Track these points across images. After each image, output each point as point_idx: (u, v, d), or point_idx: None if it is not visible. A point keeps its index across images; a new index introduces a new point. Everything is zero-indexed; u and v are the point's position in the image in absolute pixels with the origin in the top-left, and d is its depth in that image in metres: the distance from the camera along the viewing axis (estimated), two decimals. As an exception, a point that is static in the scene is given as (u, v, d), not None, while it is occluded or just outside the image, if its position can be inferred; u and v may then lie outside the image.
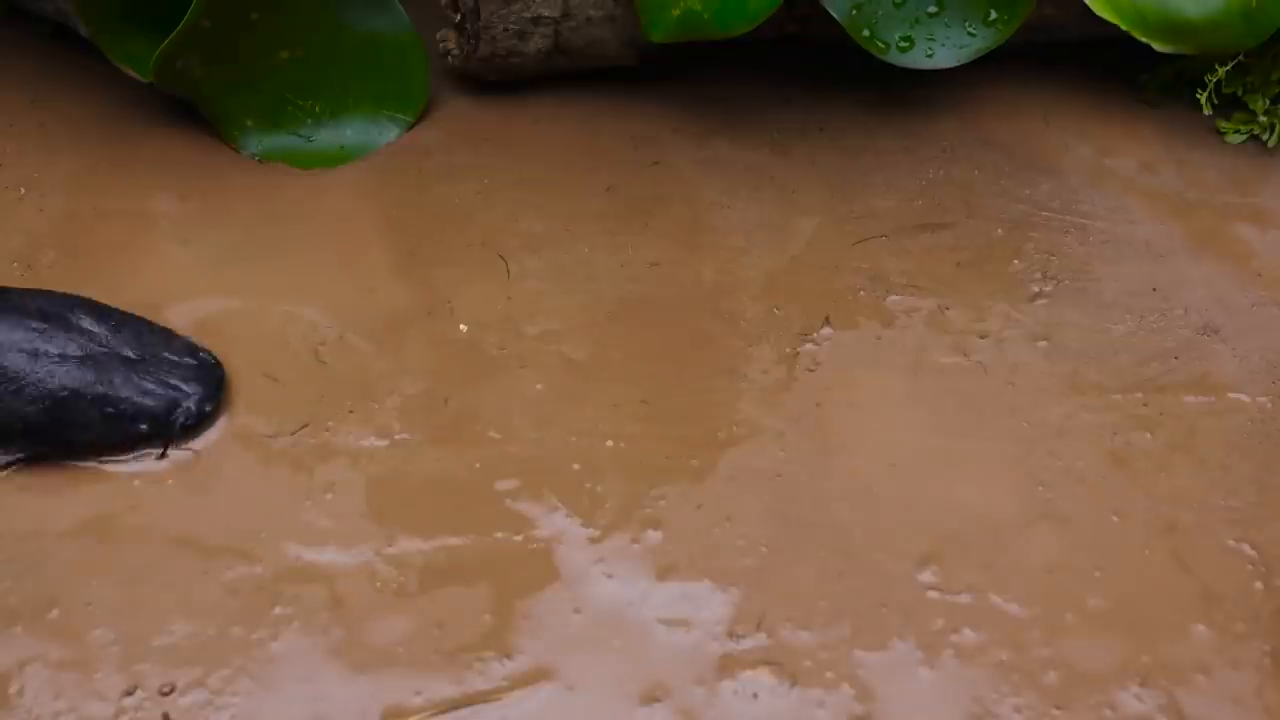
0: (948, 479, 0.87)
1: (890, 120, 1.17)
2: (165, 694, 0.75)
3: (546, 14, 1.11)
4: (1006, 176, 1.12)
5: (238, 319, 0.96)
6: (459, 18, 1.13)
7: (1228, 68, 1.13)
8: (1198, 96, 1.16)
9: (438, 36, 1.15)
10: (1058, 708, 0.77)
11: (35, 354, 0.85)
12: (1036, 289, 1.02)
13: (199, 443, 0.87)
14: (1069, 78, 1.21)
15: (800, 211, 1.08)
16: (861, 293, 1.01)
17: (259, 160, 1.10)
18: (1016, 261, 1.04)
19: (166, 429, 0.86)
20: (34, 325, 0.86)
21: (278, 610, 0.79)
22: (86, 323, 0.89)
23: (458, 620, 0.79)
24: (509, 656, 0.78)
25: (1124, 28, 1.07)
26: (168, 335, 0.91)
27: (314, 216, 1.05)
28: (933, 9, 1.07)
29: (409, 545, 0.83)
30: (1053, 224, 1.08)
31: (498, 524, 0.84)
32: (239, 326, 0.95)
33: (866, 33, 1.06)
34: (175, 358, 0.89)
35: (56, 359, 0.85)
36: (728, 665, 0.78)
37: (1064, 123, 1.18)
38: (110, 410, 0.85)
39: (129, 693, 0.75)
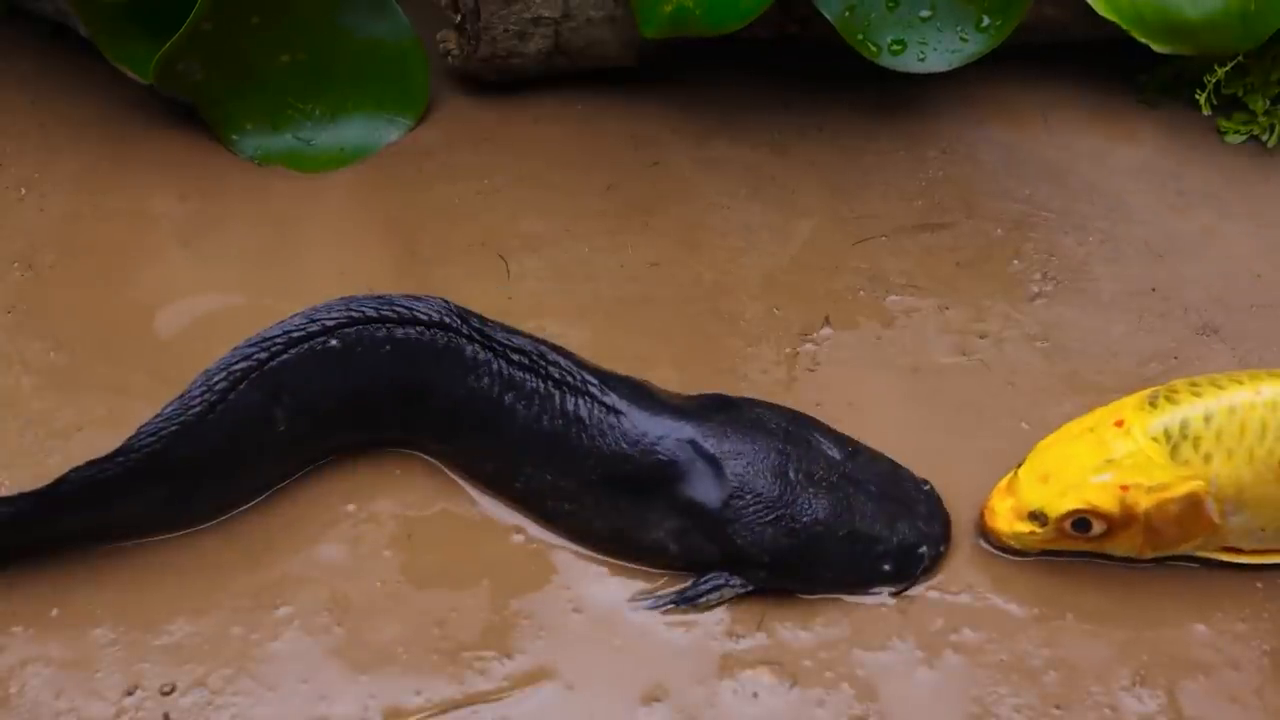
0: (947, 479, 0.87)
1: (890, 120, 1.17)
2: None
3: (547, 14, 1.11)
4: (1006, 176, 1.12)
5: (237, 319, 0.96)
6: (459, 18, 1.13)
7: (1227, 68, 1.13)
8: (1197, 97, 1.16)
9: (438, 37, 1.16)
10: (1057, 708, 0.77)
11: (786, 479, 0.79)
12: (1036, 289, 1.02)
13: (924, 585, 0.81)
14: (1069, 78, 1.21)
15: (800, 212, 1.08)
16: (861, 293, 1.01)
17: (259, 163, 1.10)
18: (1016, 261, 1.04)
19: (908, 570, 0.80)
20: (781, 446, 0.80)
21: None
22: (825, 446, 0.81)
23: (458, 620, 0.79)
24: (509, 656, 0.78)
25: (1124, 27, 1.07)
26: (892, 465, 0.84)
27: (314, 216, 1.05)
28: (925, 13, 1.08)
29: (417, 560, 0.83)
30: (1052, 224, 1.08)
31: (499, 525, 0.84)
32: (238, 326, 0.95)
33: (859, 35, 1.07)
34: (910, 492, 0.82)
35: (808, 487, 0.79)
36: (728, 665, 0.78)
37: (1064, 123, 1.18)
38: (859, 547, 0.79)
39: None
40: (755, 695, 0.76)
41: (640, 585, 0.81)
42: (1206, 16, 1.07)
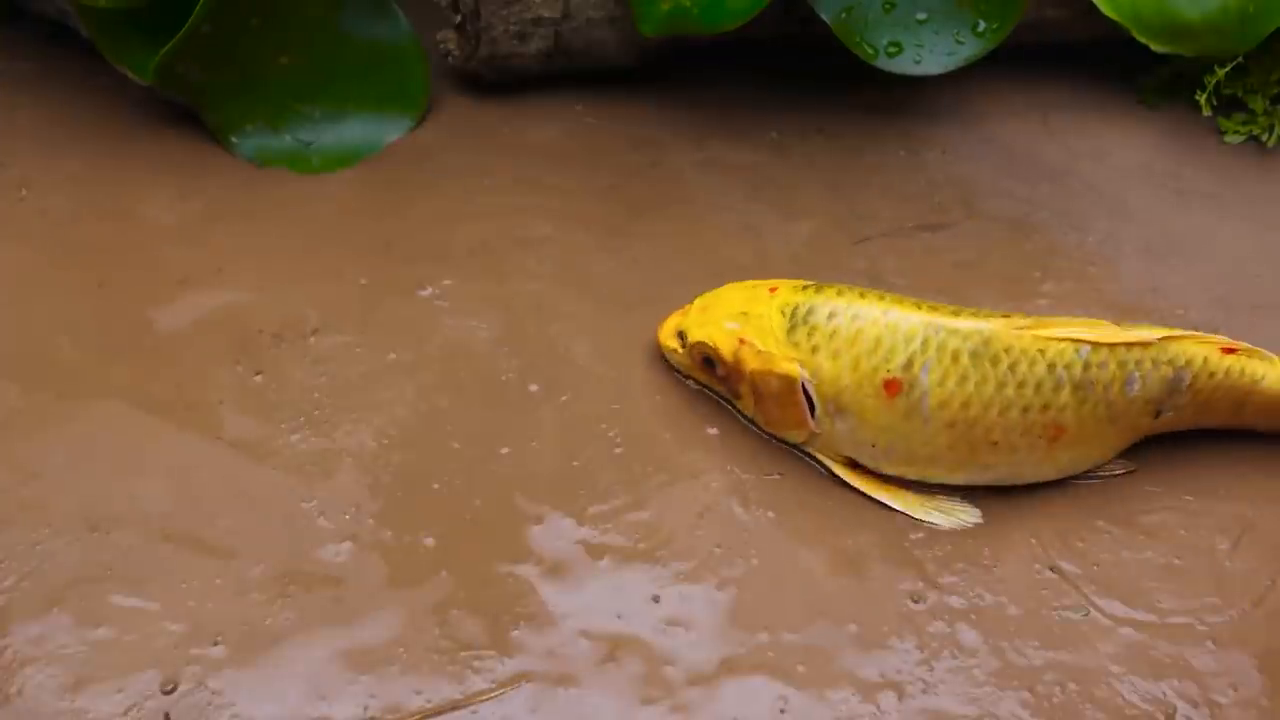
0: (947, 479, 0.87)
1: (890, 121, 1.17)
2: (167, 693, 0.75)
3: (547, 15, 1.11)
4: (1006, 176, 1.12)
5: (237, 318, 0.96)
6: (459, 19, 1.13)
7: (1227, 69, 1.14)
8: (1197, 97, 1.16)
9: (438, 37, 1.16)
10: (1057, 707, 0.77)
11: None
12: (1036, 289, 1.02)
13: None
14: (1069, 78, 1.21)
15: (800, 212, 1.08)
16: (861, 293, 1.01)
17: (259, 165, 1.10)
18: (1016, 261, 1.04)
19: None
20: None
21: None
22: None
23: (458, 620, 0.79)
24: (509, 656, 0.78)
25: (1124, 26, 1.08)
26: None
27: (314, 217, 1.05)
28: (921, 16, 1.08)
29: (408, 535, 0.83)
30: (1052, 224, 1.08)
31: (498, 530, 0.84)
32: (238, 325, 0.95)
33: (856, 37, 1.07)
34: None
35: None
36: (727, 667, 0.78)
37: (1064, 123, 1.18)
38: None
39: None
40: (755, 695, 0.76)
41: (650, 579, 0.81)
42: (1206, 17, 1.07)
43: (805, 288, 0.87)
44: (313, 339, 0.95)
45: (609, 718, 0.75)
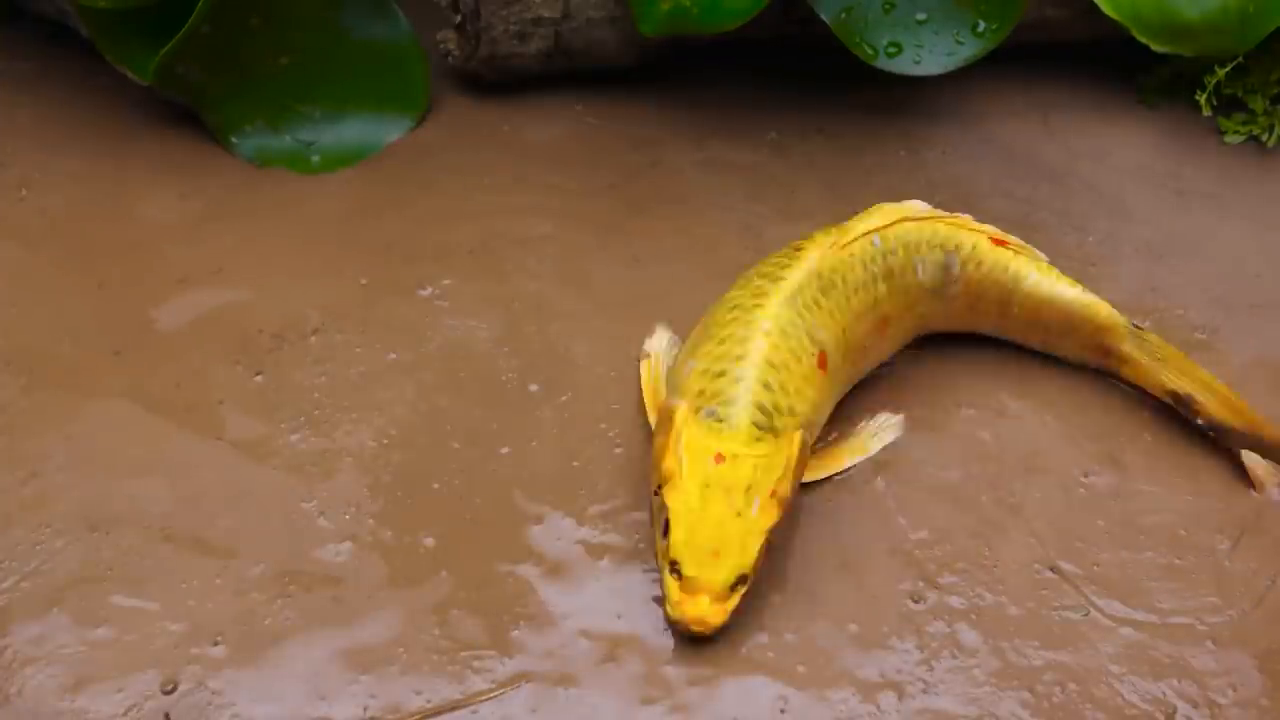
0: (947, 479, 0.87)
1: (890, 121, 1.17)
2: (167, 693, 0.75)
3: (547, 15, 1.11)
4: (1006, 176, 1.12)
5: (237, 318, 0.96)
6: (459, 19, 1.13)
7: (1228, 69, 1.14)
8: (1197, 97, 1.16)
9: (438, 37, 1.16)
10: (1057, 707, 0.77)
11: None
12: (1036, 289, 1.02)
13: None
14: (1069, 78, 1.21)
15: (800, 212, 1.08)
16: (861, 293, 1.01)
17: (259, 165, 1.10)
18: (1016, 262, 1.04)
19: None
20: None
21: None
22: None
23: (458, 620, 0.79)
24: (509, 656, 0.78)
25: (1124, 25, 1.08)
26: None
27: (314, 217, 1.05)
28: (921, 16, 1.08)
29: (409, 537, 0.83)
30: (1052, 224, 1.08)
31: (498, 530, 0.84)
32: (239, 325, 0.95)
33: (856, 38, 1.07)
34: None
35: None
36: (728, 667, 0.78)
37: (1064, 123, 1.18)
38: None
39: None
40: (755, 695, 0.77)
41: (650, 579, 0.81)
42: (1206, 17, 1.07)
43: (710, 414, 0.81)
44: (313, 339, 0.95)
45: (609, 718, 0.75)
